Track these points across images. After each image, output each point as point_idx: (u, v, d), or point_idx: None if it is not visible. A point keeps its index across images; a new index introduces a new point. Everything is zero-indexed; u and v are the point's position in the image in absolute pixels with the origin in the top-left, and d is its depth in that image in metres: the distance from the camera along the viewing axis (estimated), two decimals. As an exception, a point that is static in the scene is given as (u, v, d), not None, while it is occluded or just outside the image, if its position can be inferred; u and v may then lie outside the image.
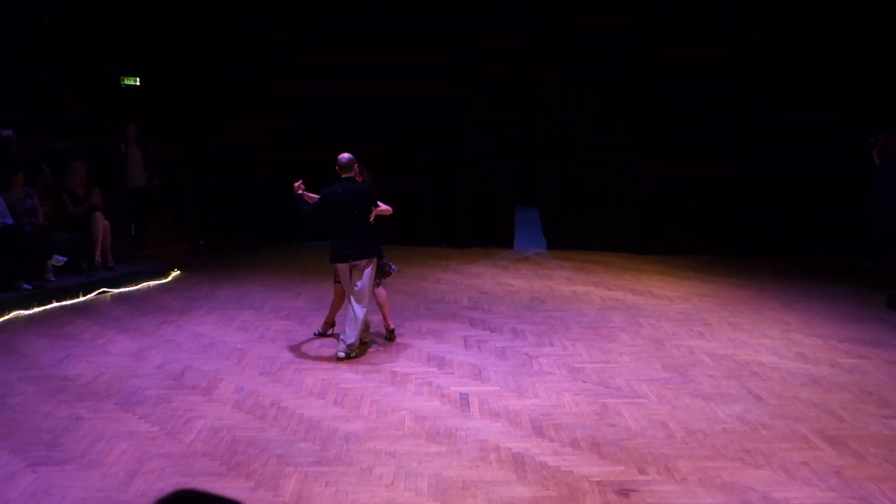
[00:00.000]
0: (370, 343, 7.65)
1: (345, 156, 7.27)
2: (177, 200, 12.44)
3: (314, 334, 7.94)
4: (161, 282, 10.39)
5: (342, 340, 7.28)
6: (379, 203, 7.36)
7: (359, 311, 7.20)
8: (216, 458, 5.12)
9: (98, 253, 10.09)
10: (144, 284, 10.15)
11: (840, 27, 11.91)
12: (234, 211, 13.37)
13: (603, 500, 4.58)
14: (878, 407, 6.08)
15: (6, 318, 8.47)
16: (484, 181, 13.06)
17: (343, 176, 7.23)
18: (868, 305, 9.23)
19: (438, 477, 4.85)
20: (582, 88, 12.61)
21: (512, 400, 6.19)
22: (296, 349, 7.53)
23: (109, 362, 7.07)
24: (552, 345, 7.68)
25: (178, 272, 10.85)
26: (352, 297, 7.24)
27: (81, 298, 9.34)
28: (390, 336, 7.78)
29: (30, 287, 9.06)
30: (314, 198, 7.36)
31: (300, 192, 7.37)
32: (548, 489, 4.71)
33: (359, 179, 7.32)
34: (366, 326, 7.55)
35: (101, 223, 10.11)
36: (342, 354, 7.20)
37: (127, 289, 9.91)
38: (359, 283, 7.20)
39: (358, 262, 7.18)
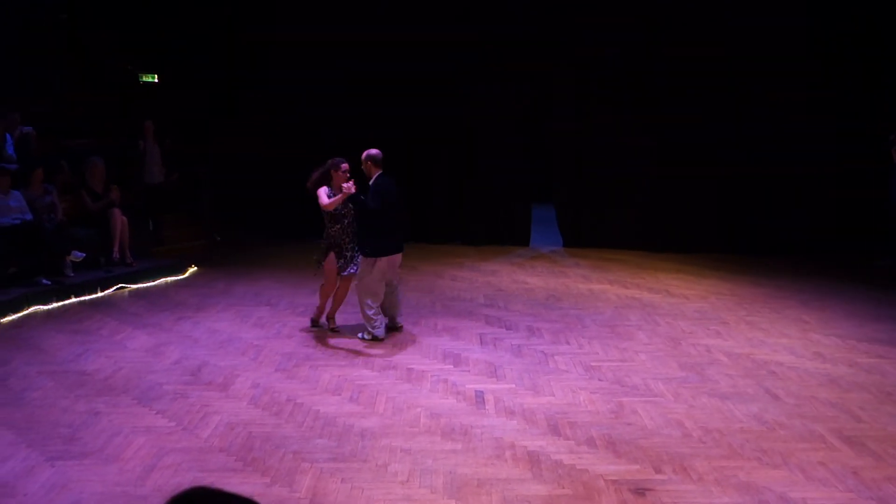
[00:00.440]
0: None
1: (375, 151, 7.48)
2: (194, 197, 12.51)
3: (328, 329, 8.03)
4: (178, 278, 10.45)
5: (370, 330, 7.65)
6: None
7: (372, 302, 7.58)
8: (232, 453, 5.15)
9: (116, 249, 10.18)
10: (162, 280, 10.22)
11: (840, 27, 11.79)
12: (250, 208, 13.40)
13: (618, 499, 4.56)
14: (897, 407, 6.03)
15: (25, 313, 8.55)
16: (499, 179, 13.02)
17: (378, 170, 7.48)
18: (886, 305, 9.12)
19: (453, 474, 4.85)
20: (588, 86, 12.57)
21: (527, 398, 6.19)
22: (312, 345, 7.56)
23: (127, 358, 7.13)
24: (568, 343, 7.67)
25: (195, 268, 10.90)
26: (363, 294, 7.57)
27: (100, 294, 9.42)
28: (314, 324, 8.07)
29: (49, 282, 9.16)
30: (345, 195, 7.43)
31: (352, 191, 7.37)
32: (563, 487, 4.70)
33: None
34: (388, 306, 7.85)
35: (120, 219, 10.19)
36: (367, 337, 7.62)
37: (144, 284, 9.98)
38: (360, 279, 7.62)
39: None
